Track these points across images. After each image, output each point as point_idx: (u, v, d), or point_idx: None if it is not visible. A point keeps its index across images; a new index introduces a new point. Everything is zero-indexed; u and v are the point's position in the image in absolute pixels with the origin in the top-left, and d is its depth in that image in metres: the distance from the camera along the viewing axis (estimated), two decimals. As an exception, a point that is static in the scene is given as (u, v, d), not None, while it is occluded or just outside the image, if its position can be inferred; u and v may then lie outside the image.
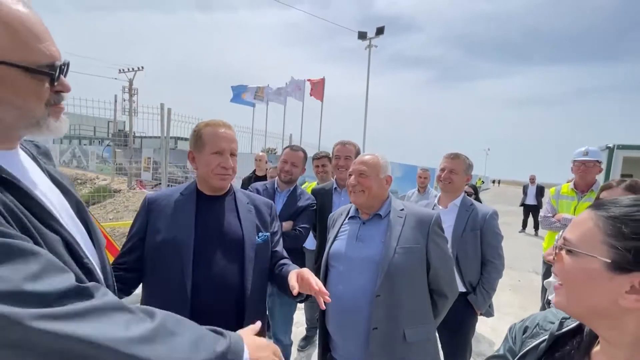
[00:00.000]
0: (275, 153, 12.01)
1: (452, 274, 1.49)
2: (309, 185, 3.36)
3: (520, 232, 9.85)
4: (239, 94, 16.10)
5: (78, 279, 0.56)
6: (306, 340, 3.06)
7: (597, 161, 2.53)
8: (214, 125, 1.26)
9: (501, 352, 0.78)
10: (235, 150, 1.29)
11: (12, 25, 0.56)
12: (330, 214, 1.70)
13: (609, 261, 0.54)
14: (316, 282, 1.09)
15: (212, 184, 1.28)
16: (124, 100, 19.47)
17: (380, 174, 1.46)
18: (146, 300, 1.23)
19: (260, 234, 1.32)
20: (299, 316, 3.13)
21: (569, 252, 0.59)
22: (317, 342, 3.09)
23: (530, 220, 9.74)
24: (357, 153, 2.32)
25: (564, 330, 0.68)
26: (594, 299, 0.56)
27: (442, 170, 2.14)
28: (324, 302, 1.06)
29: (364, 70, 15.37)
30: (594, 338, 0.64)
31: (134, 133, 13.53)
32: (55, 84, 0.64)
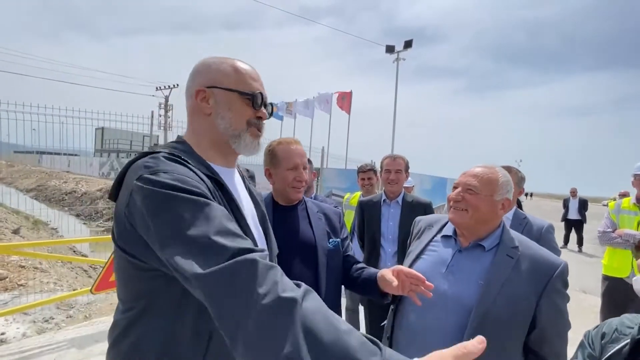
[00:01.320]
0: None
1: (563, 342, 1.17)
2: (352, 196, 3.44)
3: (562, 247, 9.35)
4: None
5: None
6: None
7: (657, 174, 2.43)
8: (286, 143, 1.38)
9: (580, 358, 0.80)
10: (306, 163, 1.41)
11: (239, 71, 0.89)
12: (416, 219, 1.50)
13: None
14: (413, 275, 1.06)
15: (289, 196, 1.39)
16: (160, 116, 20.64)
17: (496, 196, 1.18)
18: None
19: (331, 240, 1.39)
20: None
21: None
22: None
23: (573, 235, 9.22)
24: (407, 166, 2.38)
25: None
26: None
27: (494, 183, 2.15)
28: (394, 322, 1.02)
29: (391, 81, 15.46)
30: None
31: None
32: (256, 109, 0.89)
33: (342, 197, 3.93)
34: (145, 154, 0.78)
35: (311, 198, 2.36)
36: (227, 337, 0.52)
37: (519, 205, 3.63)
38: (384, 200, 2.40)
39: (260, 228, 0.97)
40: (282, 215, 1.38)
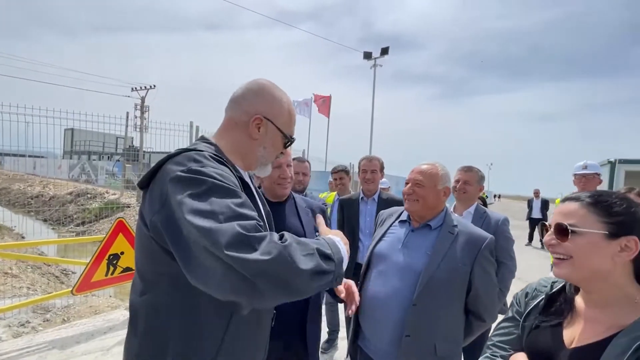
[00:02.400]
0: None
1: (493, 300, 1.45)
2: (327, 195, 3.63)
3: (526, 245, 9.99)
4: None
5: None
6: (328, 343, 3.24)
7: (596, 173, 2.78)
8: None
9: (510, 314, 1.01)
10: (290, 162, 1.56)
11: (291, 115, 1.05)
12: (381, 211, 1.75)
13: (607, 232, 0.79)
14: (354, 293, 1.29)
15: (276, 192, 1.54)
16: (136, 117, 20.05)
17: (438, 185, 1.45)
18: None
19: (317, 234, 1.56)
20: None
21: (574, 233, 0.82)
22: (337, 345, 3.28)
23: (537, 233, 9.88)
24: (382, 167, 2.60)
25: (554, 290, 0.93)
26: (598, 262, 0.79)
27: (457, 181, 2.40)
28: (361, 295, 1.25)
29: (369, 86, 15.90)
30: (574, 293, 0.89)
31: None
32: (285, 149, 1.06)
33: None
34: (185, 150, 0.85)
35: (303, 196, 2.53)
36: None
37: (484, 203, 3.97)
38: (361, 198, 2.61)
39: (266, 224, 1.11)
40: (272, 211, 1.54)
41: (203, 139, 0.98)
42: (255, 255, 0.66)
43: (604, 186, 7.66)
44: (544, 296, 0.94)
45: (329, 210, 3.25)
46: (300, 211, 1.58)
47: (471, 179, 2.36)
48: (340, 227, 2.68)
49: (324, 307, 3.33)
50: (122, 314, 3.71)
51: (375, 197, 2.56)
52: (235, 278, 0.66)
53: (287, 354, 1.49)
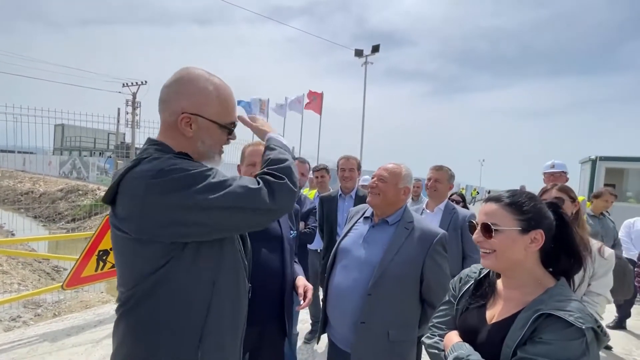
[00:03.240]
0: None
1: (444, 289, 1.59)
2: (309, 192, 3.77)
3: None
4: (241, 107, 16.58)
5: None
6: (311, 334, 3.38)
7: (563, 172, 2.96)
8: (254, 145, 1.64)
9: (447, 299, 1.16)
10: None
11: (223, 101, 0.99)
12: (351, 208, 1.88)
13: (520, 229, 0.93)
14: (308, 299, 1.48)
15: None
16: (127, 114, 19.91)
17: (399, 184, 1.55)
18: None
19: (291, 232, 1.67)
20: (304, 314, 3.46)
21: (496, 231, 0.96)
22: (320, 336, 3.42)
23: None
24: (359, 165, 2.74)
25: (481, 276, 1.09)
26: (515, 254, 0.94)
27: (429, 180, 2.55)
28: (327, 287, 1.41)
29: (361, 84, 16.01)
30: (495, 278, 1.05)
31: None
32: (230, 136, 1.05)
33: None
34: (140, 160, 0.89)
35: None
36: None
37: (463, 199, 4.15)
38: (340, 195, 2.75)
39: None
40: None
41: (150, 142, 0.98)
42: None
43: (585, 182, 7.91)
44: (473, 281, 1.09)
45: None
46: None
47: (441, 177, 2.51)
48: (320, 222, 2.81)
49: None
50: (113, 308, 3.80)
51: (353, 194, 2.70)
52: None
53: (266, 334, 1.60)
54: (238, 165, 1.71)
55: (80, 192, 17.47)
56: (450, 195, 4.05)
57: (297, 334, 2.78)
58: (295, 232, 1.71)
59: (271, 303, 1.57)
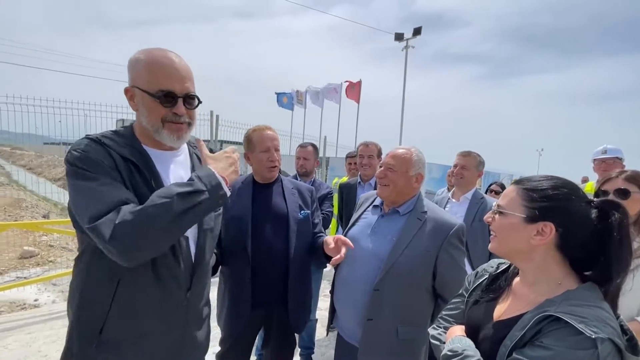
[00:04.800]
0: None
1: (460, 285, 1.45)
2: (339, 180, 3.73)
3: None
4: (280, 98, 16.84)
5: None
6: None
7: (617, 157, 2.59)
8: (259, 130, 1.64)
9: (460, 291, 1.09)
10: (277, 146, 1.65)
11: (151, 70, 0.95)
12: (361, 195, 1.76)
13: (524, 216, 0.83)
14: (344, 241, 1.37)
15: (264, 175, 1.65)
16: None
17: (410, 171, 1.41)
18: (222, 260, 1.61)
19: (302, 211, 1.67)
20: (323, 301, 3.46)
21: (500, 213, 0.89)
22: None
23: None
24: (379, 152, 2.65)
25: (498, 271, 0.99)
26: (514, 242, 0.85)
27: (455, 166, 2.39)
28: (334, 278, 1.34)
29: (402, 70, 15.37)
30: (515, 274, 0.94)
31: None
32: (167, 107, 0.97)
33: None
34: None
35: (310, 182, 2.65)
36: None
37: (503, 189, 3.85)
38: (359, 183, 2.69)
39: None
40: (260, 192, 1.66)
41: (130, 123, 1.07)
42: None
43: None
44: (487, 275, 1.01)
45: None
46: (286, 192, 1.69)
47: (469, 163, 2.35)
48: (340, 210, 2.78)
49: (321, 297, 3.48)
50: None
51: (372, 181, 2.62)
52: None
53: (274, 315, 1.65)
54: (245, 154, 1.70)
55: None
56: (490, 185, 3.78)
57: (316, 320, 2.79)
58: (306, 212, 1.69)
59: (275, 285, 1.59)
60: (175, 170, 1.06)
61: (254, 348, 1.89)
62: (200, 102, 1.03)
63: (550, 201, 0.82)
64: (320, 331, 2.93)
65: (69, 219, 1.03)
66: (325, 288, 3.64)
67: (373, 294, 1.35)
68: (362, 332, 1.38)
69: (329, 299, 2.67)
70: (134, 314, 0.99)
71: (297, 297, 1.65)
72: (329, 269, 3.13)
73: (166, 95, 0.96)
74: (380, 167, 1.47)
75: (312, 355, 2.70)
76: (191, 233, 1.07)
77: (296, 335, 1.76)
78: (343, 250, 1.36)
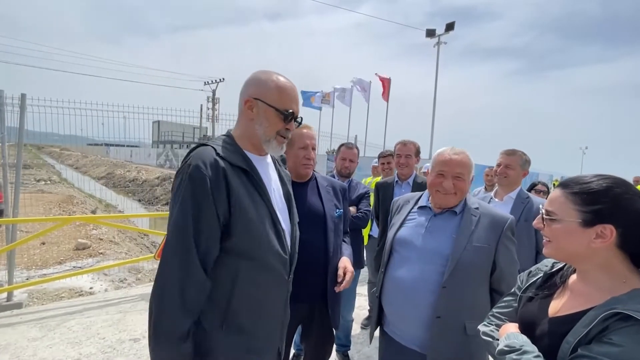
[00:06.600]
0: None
1: (515, 277, 1.45)
2: (372, 181, 3.72)
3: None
4: (307, 98, 16.93)
5: (270, 238, 1.12)
6: (368, 320, 3.40)
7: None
8: (299, 128, 1.66)
9: (512, 290, 1.07)
10: (315, 145, 1.69)
11: (281, 91, 1.15)
12: (394, 200, 1.74)
13: (580, 221, 0.81)
14: (345, 282, 1.51)
15: (299, 172, 1.68)
16: (208, 109, 22.06)
17: (470, 175, 1.45)
18: None
19: (337, 210, 1.70)
20: (361, 300, 3.47)
21: (553, 220, 0.86)
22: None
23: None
24: (417, 151, 2.61)
25: (554, 270, 0.97)
26: (573, 247, 0.83)
27: (499, 165, 2.31)
28: (385, 281, 1.41)
29: (433, 66, 14.97)
30: (571, 272, 0.92)
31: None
32: (286, 123, 1.16)
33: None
34: (199, 146, 1.09)
35: (348, 182, 2.63)
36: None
37: (548, 189, 3.66)
38: (396, 182, 2.66)
39: (285, 202, 1.26)
40: (295, 191, 1.67)
41: (227, 132, 1.20)
42: None
43: None
44: (542, 274, 0.99)
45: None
46: (321, 189, 1.71)
47: (513, 162, 2.27)
48: (376, 209, 2.77)
49: (365, 285, 3.49)
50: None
51: (410, 180, 2.59)
52: None
53: (315, 310, 1.69)
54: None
55: (172, 179, 20.00)
56: (536, 185, 3.62)
57: (352, 320, 2.79)
58: (340, 210, 1.72)
59: (315, 280, 1.62)
60: (268, 172, 1.24)
61: (292, 343, 1.94)
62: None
63: (605, 203, 0.79)
64: (354, 327, 2.94)
65: (117, 214, 1.14)
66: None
67: (441, 292, 1.34)
68: (429, 332, 1.37)
69: (360, 298, 2.65)
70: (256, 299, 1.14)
71: (336, 295, 1.66)
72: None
73: (289, 114, 1.15)
74: (441, 174, 1.43)
75: (349, 352, 2.72)
76: (287, 226, 1.23)
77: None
78: (345, 282, 1.51)
